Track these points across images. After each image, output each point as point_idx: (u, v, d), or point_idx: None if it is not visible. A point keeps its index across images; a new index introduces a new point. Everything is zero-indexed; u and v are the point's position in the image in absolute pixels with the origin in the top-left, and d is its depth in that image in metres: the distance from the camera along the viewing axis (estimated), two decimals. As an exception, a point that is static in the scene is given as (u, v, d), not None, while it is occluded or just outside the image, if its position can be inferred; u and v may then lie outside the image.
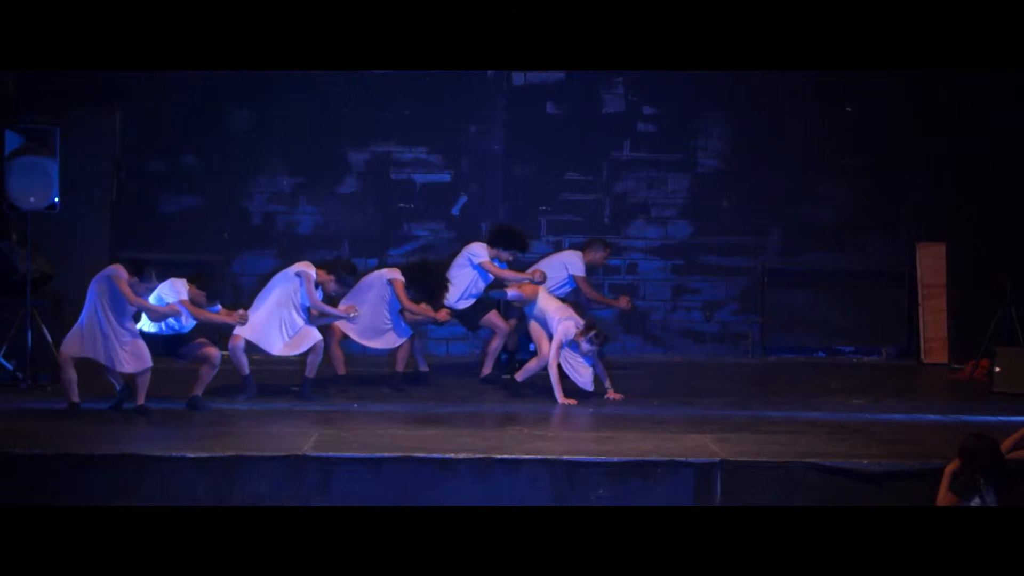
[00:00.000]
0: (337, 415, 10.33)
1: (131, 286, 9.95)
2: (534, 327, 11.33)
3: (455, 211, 13.94)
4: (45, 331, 11.05)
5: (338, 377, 11.44)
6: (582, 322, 11.04)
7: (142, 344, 10.09)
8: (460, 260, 11.80)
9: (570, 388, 11.09)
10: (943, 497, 8.03)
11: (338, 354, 11.45)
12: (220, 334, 11.56)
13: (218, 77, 13.10)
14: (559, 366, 10.96)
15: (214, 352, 10.40)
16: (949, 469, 8.07)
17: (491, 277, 11.79)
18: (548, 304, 11.29)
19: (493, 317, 11.80)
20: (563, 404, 10.84)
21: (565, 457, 8.77)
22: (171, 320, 10.33)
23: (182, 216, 13.61)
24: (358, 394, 11.15)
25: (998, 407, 10.96)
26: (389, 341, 11.49)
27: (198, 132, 13.63)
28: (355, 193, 13.88)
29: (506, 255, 11.79)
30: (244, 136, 13.70)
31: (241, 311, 10.58)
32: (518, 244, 11.87)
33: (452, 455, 8.75)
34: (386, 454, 8.77)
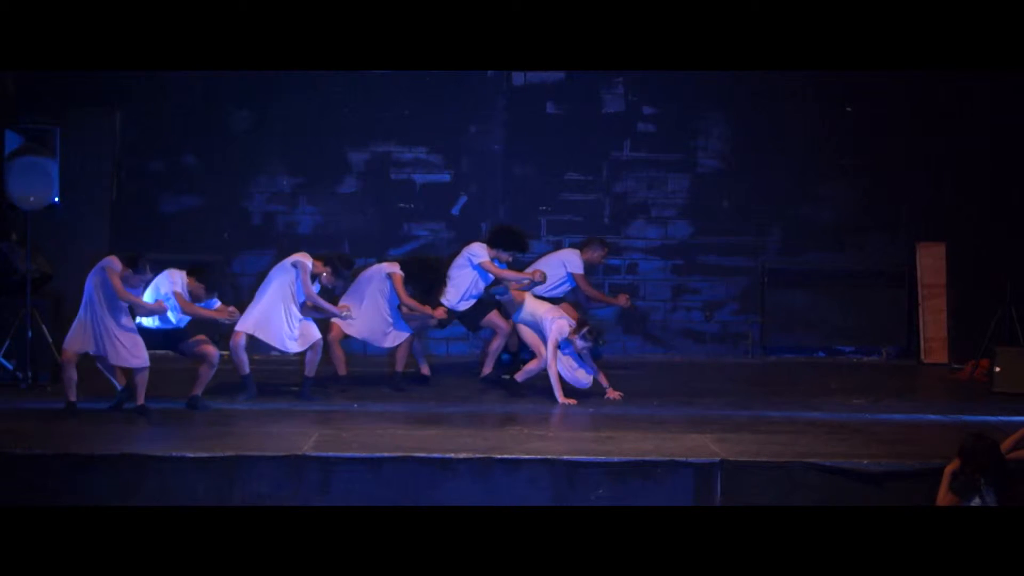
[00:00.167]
0: (337, 415, 10.33)
1: (125, 278, 9.92)
2: (525, 331, 11.35)
3: (455, 211, 13.94)
4: (45, 331, 11.05)
5: (338, 377, 11.43)
6: (574, 321, 11.07)
7: (139, 340, 10.06)
8: (460, 261, 11.80)
9: (570, 388, 11.09)
10: (943, 497, 8.03)
11: (339, 354, 11.44)
12: (220, 333, 11.56)
13: (218, 77, 13.10)
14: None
15: (212, 351, 10.39)
16: (949, 469, 8.07)
17: (491, 277, 11.79)
18: (537, 307, 11.30)
19: (494, 317, 11.80)
20: (563, 404, 10.84)
21: (565, 457, 8.77)
22: (169, 314, 10.32)
23: (182, 216, 13.61)
24: (358, 394, 11.15)
25: (998, 407, 10.96)
26: (391, 339, 11.48)
27: (198, 132, 13.63)
28: (355, 193, 13.88)
29: (506, 255, 11.79)
30: (244, 136, 13.70)
31: (231, 308, 10.54)
32: (518, 245, 11.87)
33: (452, 455, 8.75)
34: (386, 454, 8.77)
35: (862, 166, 14.05)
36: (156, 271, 10.29)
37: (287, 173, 13.84)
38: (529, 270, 11.98)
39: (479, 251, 11.73)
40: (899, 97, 13.90)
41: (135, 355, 10.02)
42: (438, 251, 13.40)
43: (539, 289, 11.81)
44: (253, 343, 10.87)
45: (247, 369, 10.83)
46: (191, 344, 10.43)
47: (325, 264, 10.99)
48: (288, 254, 11.17)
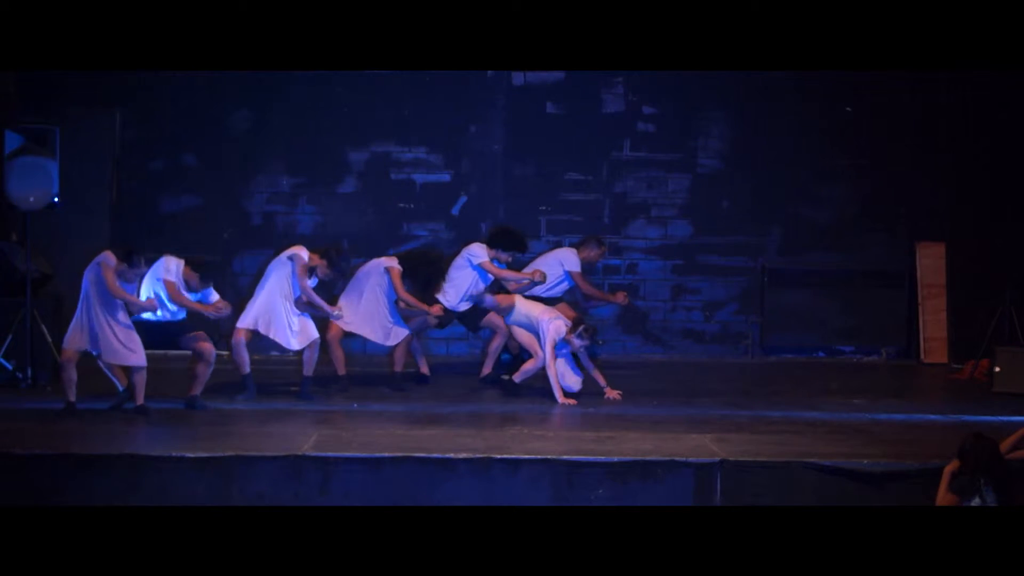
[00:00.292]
0: (337, 415, 10.33)
1: (121, 272, 9.90)
2: (520, 332, 11.36)
3: (455, 211, 13.94)
4: (45, 331, 11.05)
5: (338, 377, 11.42)
6: (570, 320, 11.08)
7: (135, 337, 10.02)
8: (459, 261, 11.79)
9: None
10: (943, 497, 8.03)
11: (338, 354, 11.43)
12: (221, 333, 11.57)
13: (218, 77, 13.10)
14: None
15: (209, 348, 10.36)
16: (949, 469, 8.07)
17: (491, 278, 11.78)
18: (531, 308, 11.29)
19: (494, 317, 11.79)
20: (563, 404, 10.84)
21: (565, 457, 8.77)
22: (169, 306, 10.29)
23: (182, 216, 13.61)
24: (358, 394, 11.15)
25: (998, 407, 10.96)
26: (391, 336, 11.46)
27: (198, 132, 13.63)
28: (355, 193, 13.89)
29: (505, 256, 11.78)
30: (244, 136, 13.71)
31: (219, 303, 10.48)
32: (517, 245, 11.87)
33: (452, 455, 8.75)
34: (386, 454, 8.77)
35: (862, 166, 14.05)
36: (152, 264, 10.28)
37: (287, 173, 13.84)
38: (527, 270, 11.99)
39: (478, 251, 11.73)
40: (899, 97, 13.90)
41: (131, 352, 9.98)
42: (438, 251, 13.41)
43: (538, 289, 11.81)
44: (252, 342, 10.86)
45: (248, 368, 10.82)
46: (189, 339, 10.39)
47: (321, 256, 10.96)
48: (287, 254, 11.15)
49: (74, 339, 10.00)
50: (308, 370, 10.90)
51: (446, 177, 13.95)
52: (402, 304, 11.41)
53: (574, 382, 11.08)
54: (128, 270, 9.94)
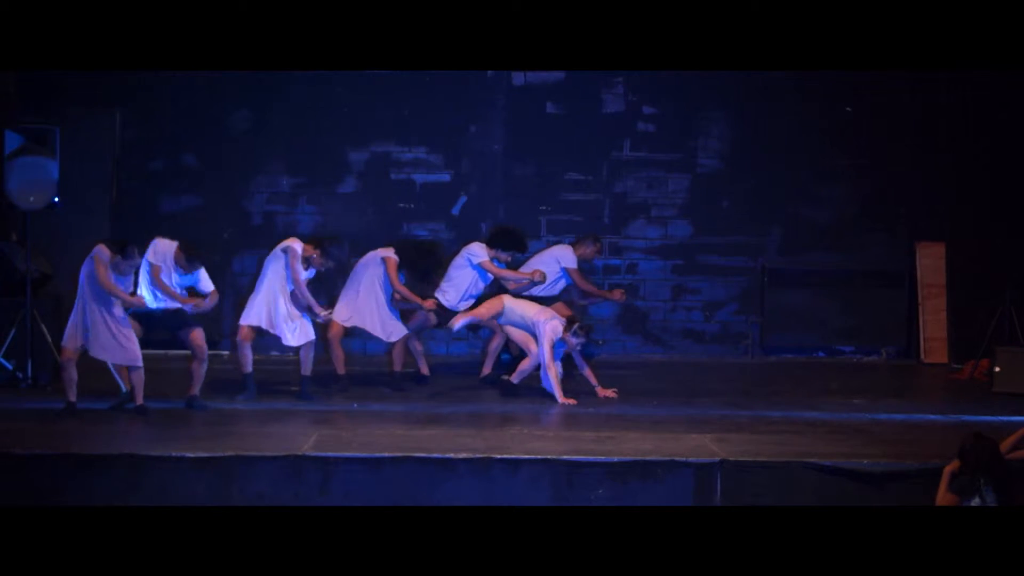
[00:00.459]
0: (337, 415, 10.33)
1: (115, 264, 9.85)
2: (514, 332, 11.36)
3: (455, 211, 13.94)
4: (45, 331, 11.05)
5: (338, 376, 11.42)
6: (564, 319, 11.07)
7: (132, 335, 10.00)
8: (459, 261, 11.79)
9: (570, 388, 11.10)
10: (943, 497, 8.02)
11: (339, 353, 11.43)
12: (221, 333, 11.58)
13: (218, 77, 13.10)
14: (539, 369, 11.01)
15: (200, 344, 10.33)
16: (948, 469, 8.06)
17: (491, 277, 11.79)
18: (524, 308, 11.26)
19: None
20: (563, 404, 10.84)
21: (565, 457, 8.77)
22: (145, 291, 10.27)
23: (182, 216, 13.60)
24: (358, 394, 11.15)
25: (998, 407, 10.96)
26: (391, 332, 11.44)
27: (198, 132, 13.63)
28: (355, 193, 13.89)
29: (505, 255, 11.79)
30: (244, 136, 13.71)
31: (198, 301, 10.36)
32: (517, 244, 11.87)
33: (452, 455, 8.75)
34: (386, 454, 8.77)
35: (862, 166, 14.05)
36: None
37: (287, 173, 13.84)
38: (524, 269, 11.99)
39: (478, 251, 11.73)
40: (899, 97, 13.90)
41: (126, 349, 9.95)
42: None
43: (536, 289, 11.81)
44: (253, 341, 10.85)
45: (250, 367, 10.81)
46: (185, 332, 10.35)
47: (315, 246, 10.93)
48: (286, 252, 11.13)
49: (71, 337, 9.98)
50: (306, 369, 10.90)
51: (446, 177, 13.96)
52: (397, 296, 11.39)
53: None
54: (123, 261, 9.89)
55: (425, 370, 11.90)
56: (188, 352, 10.55)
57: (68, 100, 12.96)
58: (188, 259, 10.30)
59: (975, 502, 7.91)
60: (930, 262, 14.02)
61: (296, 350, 10.94)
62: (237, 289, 13.11)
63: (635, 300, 13.96)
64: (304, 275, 10.84)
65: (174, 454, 8.70)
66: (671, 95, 13.96)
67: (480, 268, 11.66)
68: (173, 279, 10.32)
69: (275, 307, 10.76)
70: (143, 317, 10.27)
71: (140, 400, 10.08)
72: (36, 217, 11.50)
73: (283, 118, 13.67)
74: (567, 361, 11.31)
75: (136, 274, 10.18)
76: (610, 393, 11.19)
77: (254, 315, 10.78)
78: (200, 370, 10.35)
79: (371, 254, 11.54)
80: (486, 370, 12.00)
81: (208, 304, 10.42)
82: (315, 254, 10.87)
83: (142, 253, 10.13)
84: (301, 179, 13.85)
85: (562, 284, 12.18)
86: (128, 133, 13.49)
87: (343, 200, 13.85)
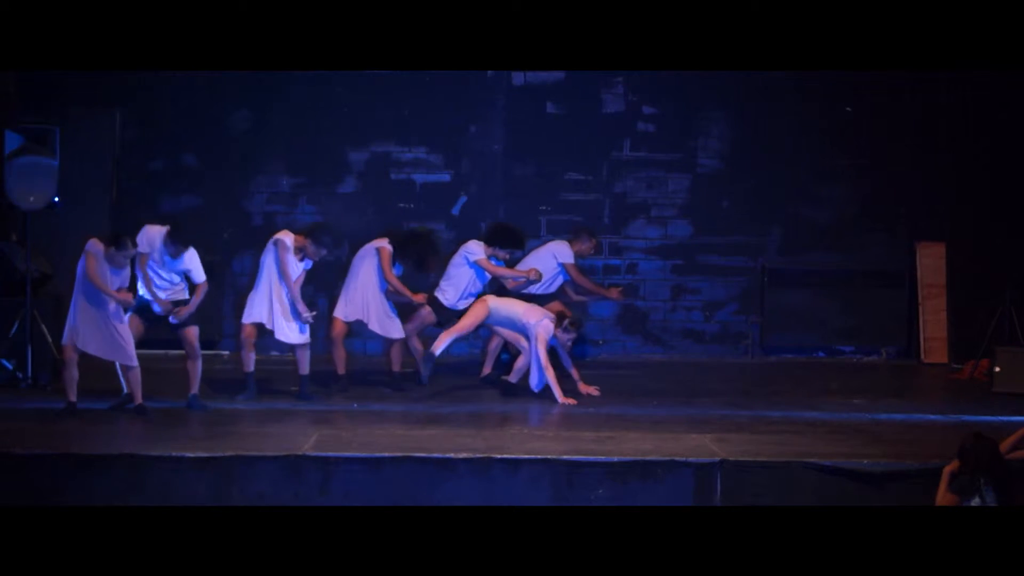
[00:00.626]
0: (337, 415, 10.34)
1: (110, 256, 9.83)
2: (503, 331, 11.36)
3: (455, 211, 13.94)
4: (45, 331, 11.05)
5: (338, 376, 11.42)
6: (553, 315, 11.06)
7: (127, 332, 9.99)
8: (457, 259, 11.78)
9: (570, 388, 11.10)
10: (943, 497, 8.03)
11: (341, 353, 11.42)
12: (221, 334, 11.56)
13: (218, 77, 13.09)
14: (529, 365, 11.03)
15: (192, 342, 10.31)
16: (948, 469, 8.07)
17: (488, 276, 11.78)
18: (512, 308, 11.23)
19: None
20: (563, 404, 10.84)
21: (565, 457, 8.77)
22: (163, 279, 10.24)
23: (182, 216, 13.55)
24: (358, 394, 11.15)
25: (998, 407, 10.96)
26: (388, 329, 11.43)
27: (198, 132, 13.63)
28: (355, 193, 13.88)
29: (503, 253, 11.79)
30: (244, 136, 13.70)
31: (178, 308, 10.28)
32: (514, 242, 11.86)
33: (452, 455, 8.75)
34: (386, 454, 8.77)
35: (862, 166, 14.05)
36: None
37: (287, 173, 13.83)
38: (521, 266, 11.99)
39: (475, 249, 11.71)
40: (899, 97, 13.89)
41: (119, 347, 9.92)
42: (439, 258, 13.38)
43: (535, 287, 11.81)
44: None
45: (252, 367, 10.81)
46: (182, 329, 10.32)
47: (306, 236, 10.91)
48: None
49: (71, 334, 9.97)
50: (304, 369, 10.89)
51: (446, 177, 13.95)
52: (390, 288, 11.38)
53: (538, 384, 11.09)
54: (117, 253, 9.84)
55: (425, 377, 11.86)
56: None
57: (68, 100, 12.95)
58: (171, 240, 10.24)
59: (975, 502, 7.91)
60: (930, 262, 14.01)
61: (292, 349, 10.94)
62: (237, 289, 13.10)
63: (635, 300, 13.95)
64: (301, 268, 10.83)
65: (174, 454, 8.71)
66: (671, 95, 13.96)
67: (477, 266, 11.64)
68: (165, 266, 10.27)
69: (273, 303, 10.76)
70: (147, 315, 10.26)
71: (139, 399, 10.07)
72: (36, 217, 11.49)
73: (283, 118, 13.67)
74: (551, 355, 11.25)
75: (133, 266, 10.15)
76: (592, 390, 11.18)
77: (255, 312, 10.79)
78: (195, 368, 10.34)
79: (367, 246, 11.55)
80: (486, 370, 12.00)
81: (192, 306, 10.33)
82: (307, 244, 10.83)
83: (135, 243, 10.09)
84: (301, 179, 13.84)
85: (560, 281, 12.17)
86: (128, 133, 13.48)
87: (343, 200, 13.84)
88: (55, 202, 11.42)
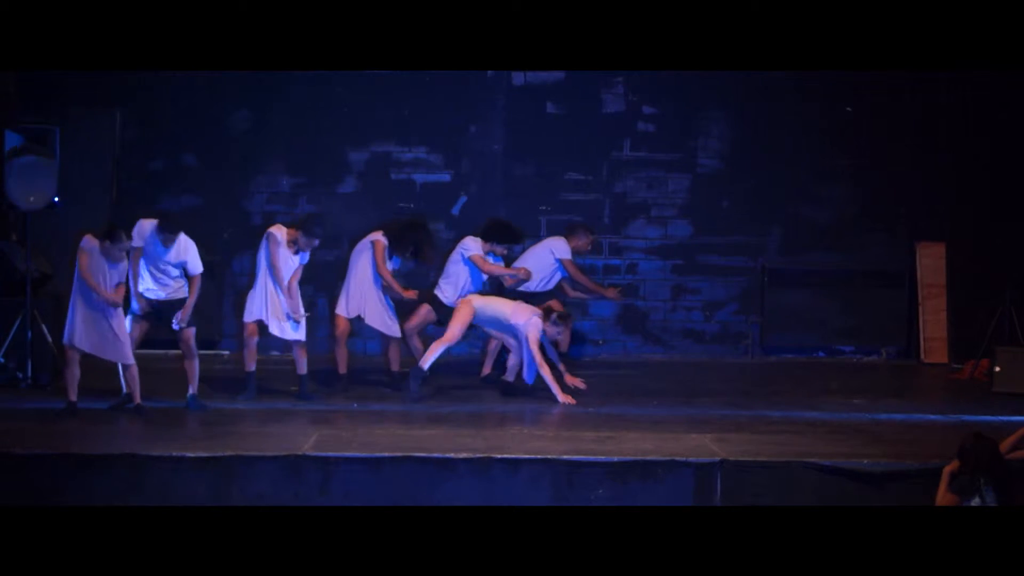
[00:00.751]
0: (337, 415, 10.34)
1: (105, 250, 9.82)
2: (493, 331, 11.35)
3: (455, 211, 13.94)
4: (45, 331, 11.05)
5: (339, 375, 11.42)
6: (540, 311, 11.03)
7: (123, 329, 9.99)
8: (455, 256, 11.77)
9: (569, 388, 11.09)
10: (943, 497, 8.03)
11: (343, 352, 11.42)
12: (221, 334, 11.55)
13: (218, 77, 13.09)
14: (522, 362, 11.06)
15: (188, 340, 10.31)
16: (948, 469, 8.07)
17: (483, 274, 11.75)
18: (498, 307, 11.19)
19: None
20: (563, 403, 10.84)
21: (565, 457, 8.77)
22: (161, 275, 10.23)
23: (182, 216, 13.51)
24: (358, 394, 11.15)
25: (998, 407, 10.96)
26: (387, 326, 11.43)
27: (198, 132, 13.62)
28: (355, 193, 13.88)
29: (501, 249, 11.78)
30: (244, 136, 13.70)
31: (180, 314, 10.28)
32: (511, 237, 11.86)
33: (452, 455, 8.75)
34: (386, 454, 8.77)
35: (862, 166, 14.04)
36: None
37: (287, 173, 13.83)
38: (518, 263, 11.98)
39: (471, 244, 11.70)
40: (899, 97, 13.89)
41: (116, 346, 9.91)
42: (438, 252, 13.38)
43: (533, 285, 11.81)
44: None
45: (253, 367, 10.80)
46: (176, 322, 10.34)
47: (296, 228, 10.90)
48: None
49: (70, 333, 9.96)
50: (302, 368, 10.89)
51: (446, 177, 13.95)
52: (383, 282, 11.37)
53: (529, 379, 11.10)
54: (112, 247, 9.83)
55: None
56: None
57: (68, 100, 12.95)
58: (160, 229, 10.21)
59: (975, 502, 7.91)
60: (930, 262, 14.01)
61: (290, 347, 10.94)
62: (237, 289, 13.09)
63: (635, 300, 13.95)
64: (296, 261, 10.81)
65: (174, 454, 8.71)
66: (671, 95, 13.96)
67: (471, 263, 11.62)
68: (160, 258, 10.24)
69: (269, 300, 10.76)
70: (148, 315, 10.26)
71: (138, 399, 10.07)
72: (36, 217, 11.49)
73: (283, 118, 13.67)
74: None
75: (129, 259, 10.13)
76: (578, 382, 11.15)
77: (255, 310, 10.80)
78: (192, 367, 10.34)
79: (363, 241, 11.55)
80: (486, 370, 11.99)
81: (189, 306, 10.30)
82: (299, 236, 10.82)
83: (130, 236, 10.07)
84: (301, 179, 13.84)
85: (557, 278, 12.14)
86: (128, 133, 13.47)
87: (343, 200, 13.84)
88: (55, 202, 11.42)
